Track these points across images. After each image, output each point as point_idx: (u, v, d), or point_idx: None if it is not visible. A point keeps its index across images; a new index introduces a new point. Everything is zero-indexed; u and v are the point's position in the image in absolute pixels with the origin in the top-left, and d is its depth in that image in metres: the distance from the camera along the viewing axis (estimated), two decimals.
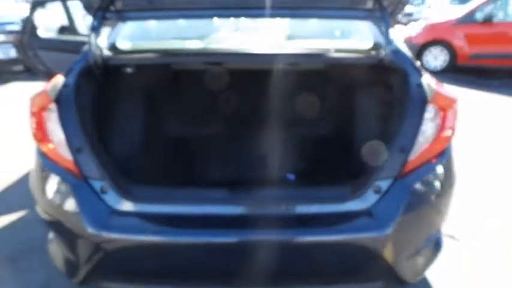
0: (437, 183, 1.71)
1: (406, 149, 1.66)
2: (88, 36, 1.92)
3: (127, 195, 1.67)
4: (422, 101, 1.72)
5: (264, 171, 2.27)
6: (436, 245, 1.86)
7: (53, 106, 1.73)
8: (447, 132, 1.74)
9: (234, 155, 2.46)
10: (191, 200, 1.68)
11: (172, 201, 1.68)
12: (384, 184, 1.66)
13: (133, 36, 2.29)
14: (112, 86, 2.21)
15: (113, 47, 2.02)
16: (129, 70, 2.27)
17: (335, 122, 2.63)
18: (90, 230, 1.61)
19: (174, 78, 2.63)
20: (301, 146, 2.56)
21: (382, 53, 1.88)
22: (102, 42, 1.93)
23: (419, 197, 1.67)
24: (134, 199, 1.67)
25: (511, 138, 4.39)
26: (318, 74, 2.54)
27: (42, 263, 2.24)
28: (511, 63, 7.54)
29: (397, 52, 1.88)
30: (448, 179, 1.75)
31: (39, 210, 1.82)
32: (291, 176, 2.27)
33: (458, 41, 7.66)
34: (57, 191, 1.70)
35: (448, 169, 1.76)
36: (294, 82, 2.52)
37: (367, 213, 1.63)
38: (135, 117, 2.34)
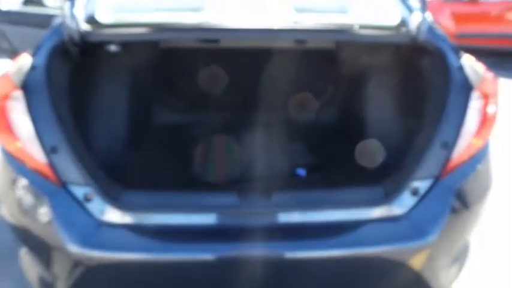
0: (479, 183, 1.49)
1: (449, 145, 1.43)
2: (60, 7, 1.56)
3: (117, 203, 1.37)
4: (465, 87, 1.47)
5: (273, 167, 2.00)
6: (467, 252, 1.67)
7: (18, 94, 1.39)
8: (490, 124, 1.51)
9: (237, 148, 2.17)
10: (194, 208, 1.40)
11: (172, 209, 1.39)
12: (422, 185, 1.43)
13: (116, 6, 1.92)
14: (92, 67, 1.86)
15: (91, 20, 1.66)
16: (112, 48, 1.91)
17: (355, 110, 2.35)
18: (72, 247, 1.31)
19: (165, 58, 2.29)
20: (316, 137, 2.30)
21: (414, 30, 1.60)
22: (78, 13, 1.57)
23: (462, 200, 1.44)
24: (126, 208, 1.37)
25: (502, 120, 4.27)
26: (332, 55, 2.27)
27: (13, 274, 1.92)
28: (497, 43, 7.46)
29: (431, 29, 1.62)
30: (489, 178, 1.54)
31: (6, 214, 1.49)
32: (301, 171, 2.01)
33: (444, 20, 7.49)
34: (29, 200, 1.37)
35: (488, 167, 1.54)
36: (304, 63, 2.23)
37: (403, 219, 1.40)
38: (122, 106, 2.00)
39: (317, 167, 2.04)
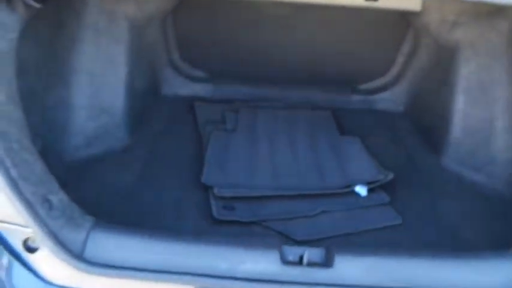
0: None
1: None
2: None
3: (77, 258, 0.83)
4: None
5: (322, 179, 1.45)
6: None
7: None
8: None
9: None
10: (206, 278, 0.85)
11: (169, 278, 0.84)
12: None
13: None
14: (58, 20, 1.33)
15: None
16: None
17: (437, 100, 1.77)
18: None
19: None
20: (377, 130, 1.81)
21: None
22: None
23: None
24: (92, 268, 0.83)
25: None
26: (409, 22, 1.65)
27: None
28: None
29: None
30: None
31: None
32: (363, 188, 1.43)
33: None
34: None
35: None
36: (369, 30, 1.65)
37: None
38: (116, 71, 1.47)
39: (385, 182, 1.46)
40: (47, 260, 0.82)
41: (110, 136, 1.60)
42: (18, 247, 0.83)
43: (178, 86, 2.02)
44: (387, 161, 1.66)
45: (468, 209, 1.42)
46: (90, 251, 0.85)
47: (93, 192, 1.36)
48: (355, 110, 2.05)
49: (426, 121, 1.86)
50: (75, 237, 0.85)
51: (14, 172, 0.80)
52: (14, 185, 0.78)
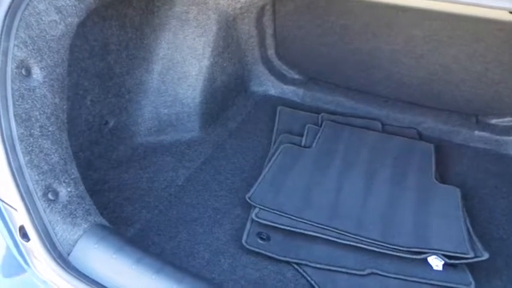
0: None
1: None
2: None
3: (69, 255, 0.80)
4: None
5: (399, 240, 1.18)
6: None
7: None
8: None
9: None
10: None
11: None
12: None
13: None
14: (148, 8, 1.33)
15: None
16: None
17: None
18: None
19: None
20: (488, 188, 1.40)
21: None
22: None
23: None
24: (78, 271, 0.80)
25: None
26: None
27: None
28: None
29: None
30: None
31: None
32: (439, 260, 1.11)
33: None
34: None
35: None
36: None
37: None
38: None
39: (473, 260, 1.11)
40: (37, 252, 0.83)
41: (182, 126, 1.59)
42: (15, 233, 0.85)
43: (268, 85, 1.90)
44: (494, 233, 1.25)
45: None
46: (77, 255, 0.82)
47: (142, 181, 1.36)
48: (475, 150, 1.62)
49: None
50: (67, 236, 0.83)
51: (23, 158, 0.80)
52: (18, 172, 0.79)
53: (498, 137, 1.63)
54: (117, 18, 1.32)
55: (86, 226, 0.87)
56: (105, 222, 0.92)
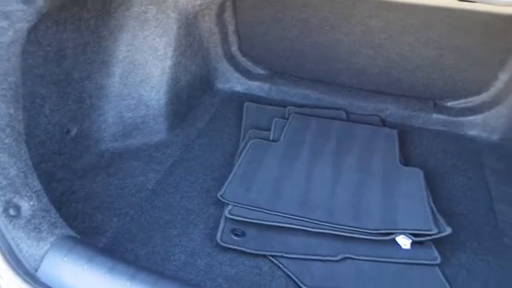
0: None
1: None
2: None
3: (36, 271, 0.78)
4: None
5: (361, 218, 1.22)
6: None
7: None
8: None
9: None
10: None
11: None
12: None
13: None
14: (105, 9, 1.35)
15: None
16: None
17: None
18: None
19: None
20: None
21: None
22: None
23: None
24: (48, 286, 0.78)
25: None
26: None
27: None
28: None
29: None
30: None
31: None
32: (407, 239, 1.16)
33: None
34: None
35: None
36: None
37: None
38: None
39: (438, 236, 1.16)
40: (1, 271, 0.80)
41: (148, 129, 1.57)
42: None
43: (234, 82, 1.90)
44: (455, 209, 1.32)
45: None
46: (45, 270, 0.80)
47: (111, 189, 1.33)
48: (434, 132, 1.69)
49: None
50: (33, 251, 0.81)
51: None
52: None
53: (454, 119, 1.71)
54: (72, 22, 1.28)
55: (52, 239, 0.85)
56: (73, 233, 0.90)
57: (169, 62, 1.54)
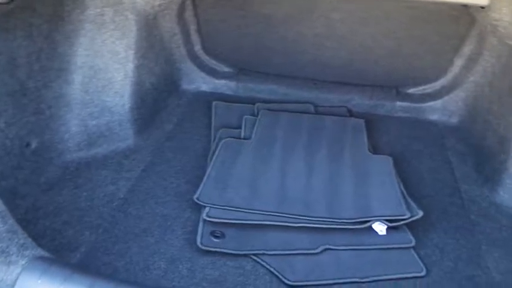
0: None
1: None
2: None
3: None
4: None
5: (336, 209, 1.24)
6: None
7: None
8: None
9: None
10: None
11: None
12: None
13: None
14: (57, 13, 1.30)
15: None
16: None
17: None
18: None
19: None
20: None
21: None
22: None
23: None
24: None
25: None
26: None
27: None
28: None
29: None
30: None
31: None
32: (382, 225, 1.19)
33: None
34: None
35: None
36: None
37: None
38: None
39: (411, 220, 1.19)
40: None
41: (114, 136, 1.51)
42: None
43: (199, 81, 1.87)
44: (423, 191, 1.37)
45: None
46: None
47: (80, 201, 1.28)
48: (398, 119, 1.75)
49: (483, 140, 1.53)
50: (3, 277, 0.76)
51: None
52: None
53: (416, 105, 1.78)
54: (22, 28, 1.21)
55: (23, 262, 0.80)
56: (45, 253, 0.85)
57: (131, 65, 1.49)
